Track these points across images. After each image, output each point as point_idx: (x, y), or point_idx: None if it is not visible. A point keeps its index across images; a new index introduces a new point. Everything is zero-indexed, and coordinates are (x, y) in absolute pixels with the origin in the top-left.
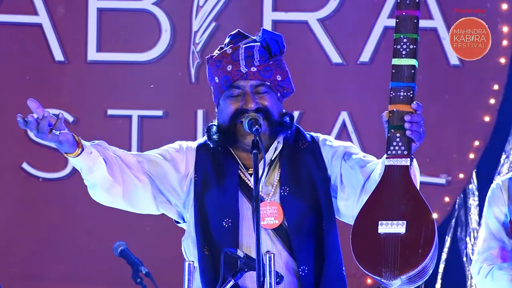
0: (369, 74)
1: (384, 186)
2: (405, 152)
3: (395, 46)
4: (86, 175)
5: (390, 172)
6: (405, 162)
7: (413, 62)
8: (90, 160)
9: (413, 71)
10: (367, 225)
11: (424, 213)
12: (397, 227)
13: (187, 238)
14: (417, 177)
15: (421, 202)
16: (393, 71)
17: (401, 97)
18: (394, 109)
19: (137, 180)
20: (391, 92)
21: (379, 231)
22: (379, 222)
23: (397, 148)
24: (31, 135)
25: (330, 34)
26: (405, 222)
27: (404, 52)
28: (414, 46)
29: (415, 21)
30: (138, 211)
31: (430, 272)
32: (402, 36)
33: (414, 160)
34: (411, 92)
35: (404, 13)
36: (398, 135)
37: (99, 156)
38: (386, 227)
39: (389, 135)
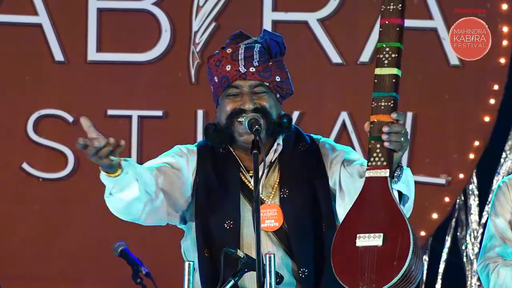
0: (369, 74)
1: (363, 198)
2: (385, 163)
3: (377, 56)
4: (115, 193)
5: (370, 184)
6: (384, 173)
7: (394, 71)
8: (125, 181)
9: (394, 80)
10: (346, 238)
11: (400, 225)
12: (374, 240)
13: (187, 239)
14: (411, 185)
15: (398, 214)
16: (375, 81)
17: (382, 107)
18: (375, 120)
19: (155, 200)
20: (373, 102)
21: (357, 244)
22: (357, 235)
23: (377, 159)
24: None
25: (330, 34)
26: (381, 234)
27: (386, 62)
28: (396, 55)
29: (398, 29)
30: (146, 224)
31: (417, 279)
32: (384, 45)
33: (408, 169)
34: (392, 102)
35: (386, 22)
36: (378, 146)
37: (134, 177)
38: (363, 240)
39: (369, 146)
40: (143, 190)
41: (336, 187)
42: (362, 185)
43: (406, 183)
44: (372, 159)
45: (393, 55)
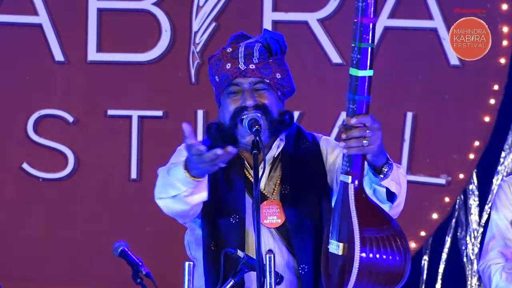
0: None
1: (336, 202)
2: (348, 169)
3: (351, 54)
4: (185, 196)
5: (340, 188)
6: (347, 179)
7: (357, 73)
8: (201, 186)
9: (356, 82)
10: (325, 241)
11: (351, 238)
12: (337, 248)
13: (191, 233)
14: (402, 182)
15: (350, 225)
16: (348, 80)
17: (350, 110)
18: (344, 122)
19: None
20: (346, 103)
21: (329, 250)
22: (329, 240)
23: (344, 163)
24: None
25: (330, 34)
26: (341, 244)
27: (354, 61)
28: (359, 56)
29: (361, 29)
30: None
31: (401, 278)
32: (353, 45)
33: (401, 166)
34: (355, 105)
35: (355, 20)
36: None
37: (206, 181)
38: (331, 247)
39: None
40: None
41: (334, 184)
42: None
43: (396, 180)
44: (343, 162)
45: (358, 56)
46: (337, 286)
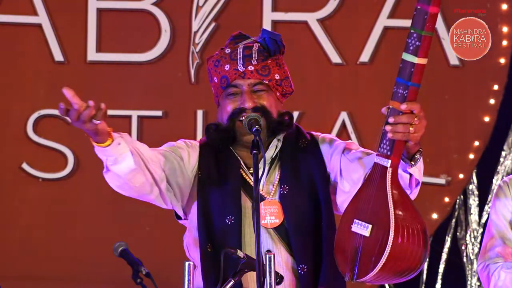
0: (369, 74)
1: (367, 183)
2: (389, 153)
3: (406, 40)
4: (111, 166)
5: (375, 170)
6: (386, 163)
7: (414, 60)
8: (117, 151)
9: (413, 69)
10: (347, 220)
11: (384, 221)
12: (363, 229)
13: (189, 235)
14: (421, 169)
15: (385, 209)
16: (400, 65)
17: (399, 95)
18: (390, 106)
19: (155, 175)
20: (394, 87)
21: (352, 229)
22: (354, 219)
23: (384, 147)
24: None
25: (330, 34)
26: (369, 226)
27: (411, 48)
28: (419, 44)
29: (426, 17)
30: (147, 200)
31: (415, 267)
32: (412, 31)
33: (420, 161)
34: (406, 91)
35: (418, 7)
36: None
37: (127, 148)
38: (356, 227)
39: (383, 131)
40: (139, 162)
41: (337, 178)
42: (367, 167)
43: (418, 168)
44: (381, 145)
45: (417, 43)
46: (356, 267)
